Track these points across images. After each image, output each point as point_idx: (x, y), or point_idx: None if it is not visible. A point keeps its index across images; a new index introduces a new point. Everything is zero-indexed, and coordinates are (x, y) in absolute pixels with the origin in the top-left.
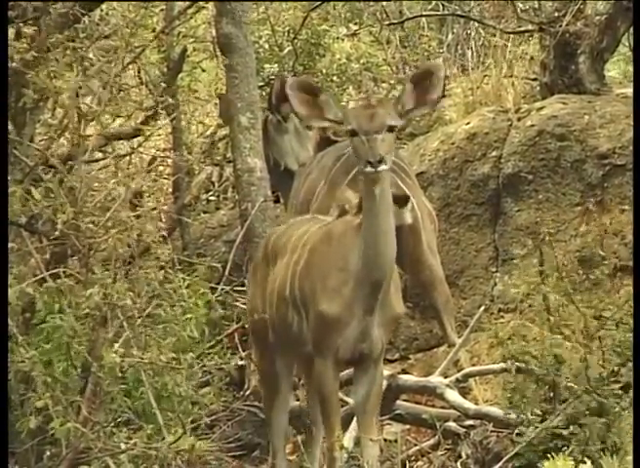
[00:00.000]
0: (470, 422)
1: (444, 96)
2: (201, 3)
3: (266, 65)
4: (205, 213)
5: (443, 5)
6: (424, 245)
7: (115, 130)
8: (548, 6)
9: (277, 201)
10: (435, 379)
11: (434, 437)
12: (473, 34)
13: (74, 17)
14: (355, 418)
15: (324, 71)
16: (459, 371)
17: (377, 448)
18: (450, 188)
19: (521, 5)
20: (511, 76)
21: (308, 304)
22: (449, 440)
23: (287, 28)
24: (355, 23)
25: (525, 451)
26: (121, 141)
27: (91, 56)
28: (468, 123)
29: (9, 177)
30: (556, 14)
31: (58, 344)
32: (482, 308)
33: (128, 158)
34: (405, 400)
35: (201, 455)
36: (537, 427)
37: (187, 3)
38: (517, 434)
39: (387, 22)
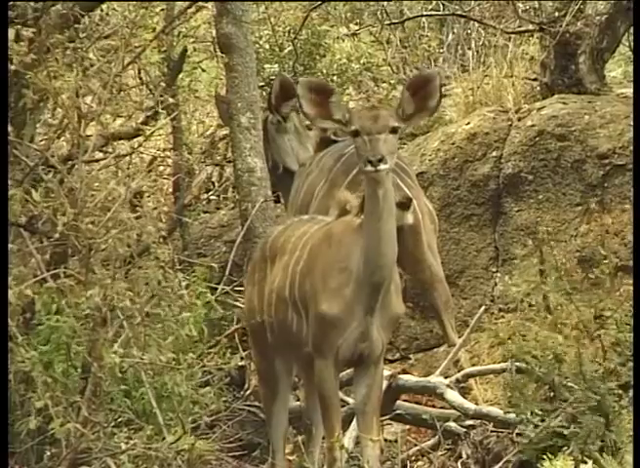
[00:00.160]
0: (470, 422)
1: (444, 96)
2: (201, 3)
3: (267, 65)
4: (205, 213)
5: (443, 5)
6: (425, 245)
7: (115, 130)
8: (549, 6)
9: (277, 201)
10: (435, 379)
11: (434, 437)
12: (474, 34)
13: (74, 17)
14: (355, 418)
15: (324, 71)
16: (459, 371)
17: (377, 449)
18: (450, 188)
19: (521, 5)
20: (512, 76)
21: (309, 305)
22: (449, 440)
23: (287, 28)
24: (355, 23)
25: (525, 451)
26: (121, 141)
27: (91, 56)
28: (469, 123)
29: (9, 178)
30: (556, 14)
31: (57, 345)
32: (482, 308)
33: (128, 158)
34: (405, 400)
35: (201, 455)
36: (537, 427)
37: (187, 3)
38: (517, 434)
39: (388, 22)
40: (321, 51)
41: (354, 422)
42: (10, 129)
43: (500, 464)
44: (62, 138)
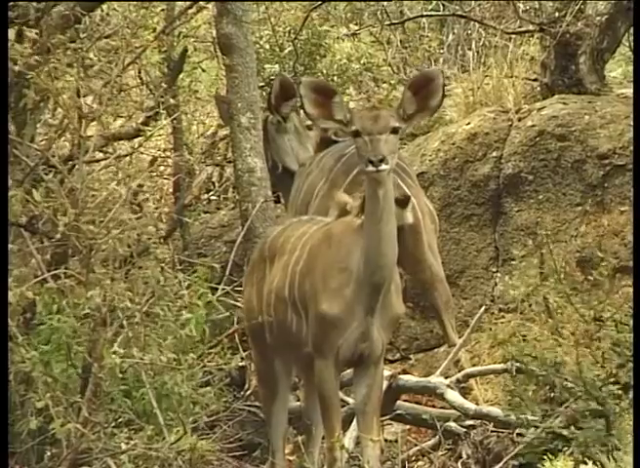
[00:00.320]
0: (471, 422)
1: (445, 96)
2: (201, 3)
3: (267, 65)
4: (205, 213)
5: (443, 5)
6: (425, 245)
7: (116, 130)
8: (549, 6)
9: (277, 201)
10: (436, 379)
11: (435, 437)
12: (474, 35)
13: (75, 17)
14: (355, 418)
15: (324, 71)
16: (459, 372)
17: (377, 449)
18: (450, 188)
19: (521, 5)
20: (512, 76)
21: (308, 305)
22: (449, 440)
23: (287, 28)
24: (356, 24)
25: (525, 452)
26: (122, 142)
27: (92, 56)
28: (469, 123)
29: (9, 178)
30: (557, 14)
31: (57, 345)
32: (483, 308)
33: (128, 158)
34: (405, 400)
35: (202, 456)
36: (537, 427)
37: (188, 3)
38: (518, 434)
39: (388, 23)
40: (321, 51)
41: (354, 422)
42: (10, 129)
43: (501, 464)
44: (63, 139)
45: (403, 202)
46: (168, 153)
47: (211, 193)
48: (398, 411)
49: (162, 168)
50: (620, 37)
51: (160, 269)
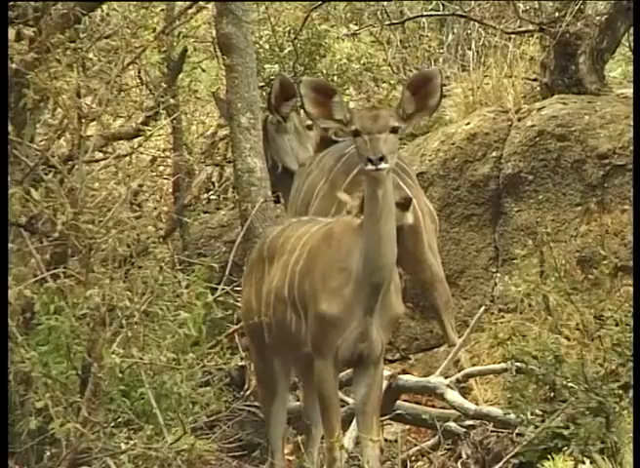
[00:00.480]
0: (470, 422)
1: (444, 96)
2: (201, 3)
3: (267, 65)
4: (205, 213)
5: (443, 5)
6: (425, 245)
7: (116, 130)
8: (549, 6)
9: (277, 201)
10: (435, 379)
11: (434, 437)
12: (474, 34)
13: (75, 17)
14: (355, 418)
15: (324, 71)
16: (459, 372)
17: (377, 449)
18: (450, 188)
19: (521, 5)
20: (511, 76)
21: (308, 304)
22: (449, 440)
23: (287, 28)
24: (356, 24)
25: (525, 451)
26: (121, 142)
27: (91, 56)
28: (468, 123)
29: (9, 178)
30: (556, 14)
31: (56, 345)
32: (482, 308)
33: (128, 158)
34: (405, 400)
35: (201, 455)
36: (537, 427)
37: (188, 3)
38: (517, 434)
39: (388, 23)
40: (321, 51)
41: (354, 422)
42: (10, 129)
43: (501, 464)
44: (63, 139)
45: (404, 205)
46: (167, 153)
47: (210, 193)
48: (398, 411)
49: (162, 168)
50: (620, 37)
51: (159, 269)
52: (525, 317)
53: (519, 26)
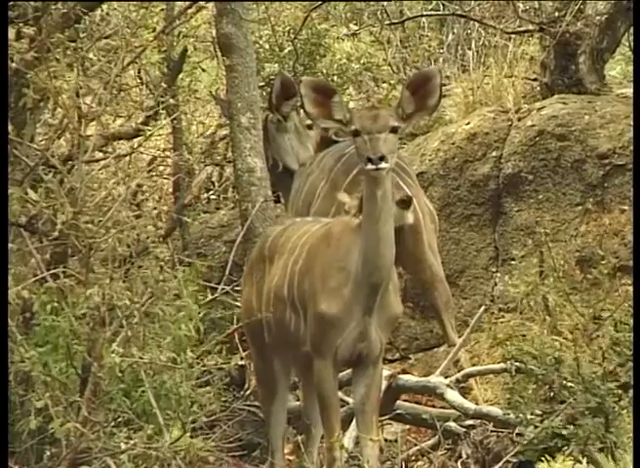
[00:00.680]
0: (470, 422)
1: (444, 96)
2: (201, 3)
3: (267, 65)
4: (205, 212)
5: (443, 5)
6: (425, 244)
7: (115, 130)
8: (549, 6)
9: (277, 201)
10: (435, 379)
11: (434, 437)
12: (474, 34)
13: (75, 17)
14: (355, 418)
15: (324, 71)
16: (459, 371)
17: (377, 448)
18: (450, 188)
19: (521, 5)
20: (511, 76)
21: (307, 304)
22: (449, 440)
23: (287, 28)
24: (355, 23)
25: (525, 451)
26: (121, 141)
27: (91, 56)
28: (468, 123)
29: (9, 178)
30: (556, 14)
31: (55, 345)
32: (482, 308)
33: (128, 158)
34: (405, 400)
35: (201, 455)
36: (536, 427)
37: (188, 3)
38: (517, 434)
39: (388, 22)
40: (321, 51)
41: (354, 422)
42: (10, 128)
43: (500, 464)
44: (63, 138)
45: (406, 203)
46: (167, 153)
47: (210, 193)
48: (398, 411)
49: (161, 167)
50: (620, 37)
51: (159, 269)
52: (525, 317)
53: (519, 26)
